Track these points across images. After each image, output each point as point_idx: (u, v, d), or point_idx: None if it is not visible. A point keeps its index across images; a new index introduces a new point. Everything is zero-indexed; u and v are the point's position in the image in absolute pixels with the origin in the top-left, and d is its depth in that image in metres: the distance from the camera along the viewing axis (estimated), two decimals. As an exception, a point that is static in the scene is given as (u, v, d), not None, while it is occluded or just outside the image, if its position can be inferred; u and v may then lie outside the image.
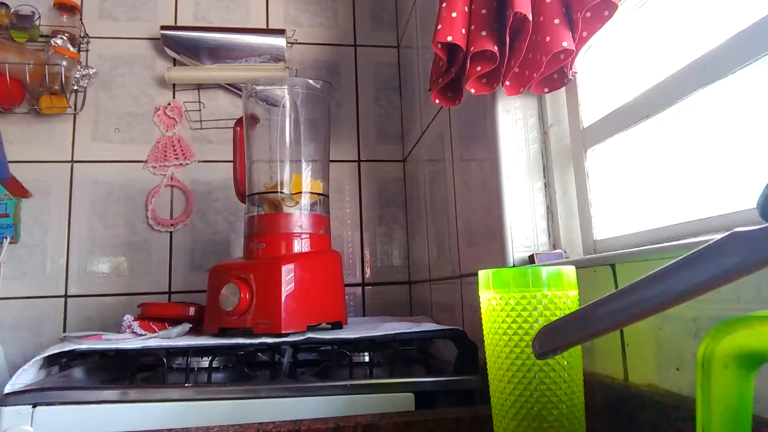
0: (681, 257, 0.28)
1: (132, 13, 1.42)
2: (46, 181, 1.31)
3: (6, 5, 1.27)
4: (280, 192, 0.99)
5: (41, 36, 1.31)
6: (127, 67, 1.39)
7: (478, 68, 0.68)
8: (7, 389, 0.71)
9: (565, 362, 0.46)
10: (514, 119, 0.80)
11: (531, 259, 0.75)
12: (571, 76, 0.69)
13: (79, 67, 1.31)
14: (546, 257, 0.73)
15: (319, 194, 1.04)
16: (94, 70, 1.34)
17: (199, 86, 1.40)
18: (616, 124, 0.65)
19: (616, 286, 0.56)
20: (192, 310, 1.01)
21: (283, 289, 0.87)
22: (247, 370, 0.84)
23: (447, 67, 0.76)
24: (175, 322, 0.96)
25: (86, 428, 0.70)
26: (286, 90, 1.05)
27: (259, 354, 0.93)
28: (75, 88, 1.32)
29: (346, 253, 1.41)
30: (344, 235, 1.42)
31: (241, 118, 1.11)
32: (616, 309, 0.31)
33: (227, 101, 1.41)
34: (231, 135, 1.12)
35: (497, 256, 0.79)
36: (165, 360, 0.81)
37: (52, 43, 1.26)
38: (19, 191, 1.27)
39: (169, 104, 1.38)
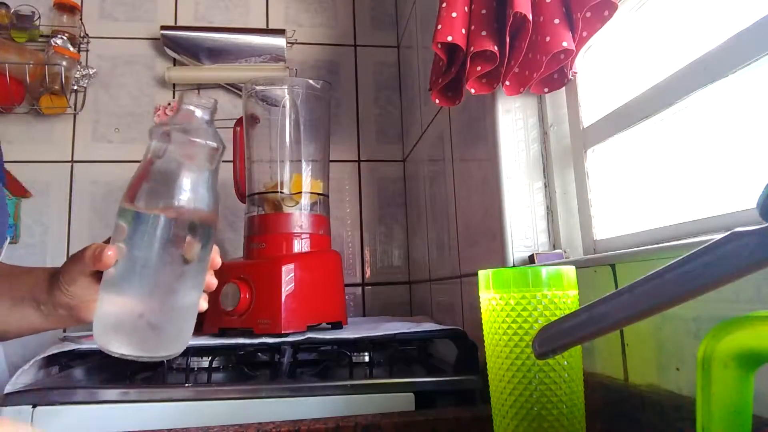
0: (681, 257, 0.28)
1: (132, 13, 1.42)
2: (46, 181, 1.31)
3: (6, 5, 1.27)
4: (280, 192, 1.00)
5: (41, 36, 1.31)
6: (127, 67, 1.39)
7: (478, 68, 0.68)
8: (7, 389, 0.71)
9: (565, 362, 0.46)
10: (514, 119, 0.80)
11: (531, 259, 0.75)
12: (571, 76, 0.69)
13: (79, 67, 1.31)
14: (546, 257, 0.73)
15: (319, 194, 1.04)
16: (94, 70, 1.34)
17: (199, 86, 1.40)
18: (616, 124, 0.65)
19: (616, 286, 0.56)
20: (192, 310, 1.01)
21: (283, 289, 0.87)
22: (247, 370, 0.84)
23: (447, 67, 0.76)
24: (175, 322, 0.96)
25: (86, 428, 0.70)
26: (286, 90, 1.05)
27: (259, 354, 0.93)
28: (75, 88, 1.32)
29: (346, 253, 1.41)
30: (344, 235, 1.42)
31: (241, 118, 1.11)
32: (615, 309, 0.31)
33: (227, 101, 1.41)
34: (231, 135, 1.12)
35: (497, 256, 0.79)
36: (165, 360, 0.81)
37: (52, 43, 1.26)
38: (19, 191, 1.27)
39: (169, 104, 1.38)
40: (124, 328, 0.45)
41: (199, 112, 0.47)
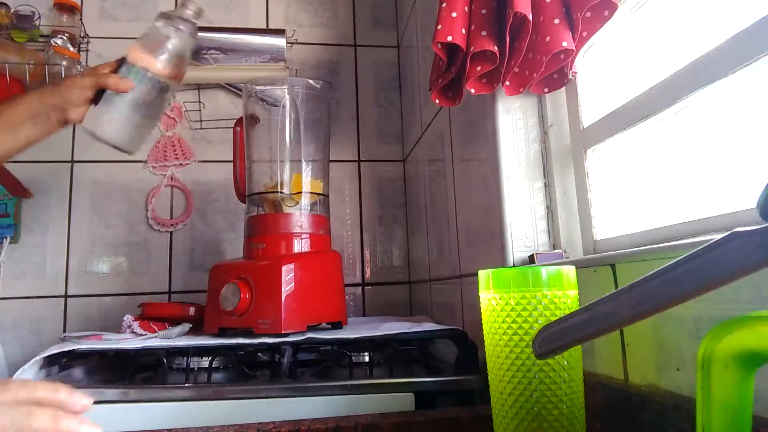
0: (681, 257, 0.28)
1: (132, 13, 1.42)
2: (46, 181, 1.31)
3: (6, 5, 1.27)
4: (280, 192, 0.99)
5: (41, 36, 1.30)
6: (127, 67, 1.39)
7: (478, 68, 0.68)
8: (7, 389, 0.71)
9: (565, 362, 0.46)
10: (514, 119, 0.80)
11: (531, 259, 0.75)
12: (571, 76, 0.69)
13: (79, 67, 1.31)
14: (546, 257, 0.73)
15: (319, 194, 1.04)
16: (94, 70, 1.34)
17: (199, 86, 1.40)
18: (616, 124, 0.65)
19: (616, 286, 0.56)
20: (192, 310, 1.01)
21: (283, 289, 0.87)
22: (247, 370, 0.84)
23: (447, 66, 0.76)
24: (175, 322, 0.96)
25: (86, 428, 0.70)
26: (286, 90, 1.05)
27: (259, 354, 0.93)
28: (75, 88, 1.32)
29: (346, 253, 1.41)
30: (344, 235, 1.42)
31: (241, 118, 1.11)
32: (616, 309, 0.31)
33: (227, 101, 1.41)
34: (231, 135, 1.12)
35: (497, 256, 0.79)
36: (165, 360, 0.81)
37: (52, 43, 1.25)
38: (19, 191, 1.27)
39: (169, 104, 1.38)
40: (117, 124, 0.78)
41: (183, 11, 0.80)
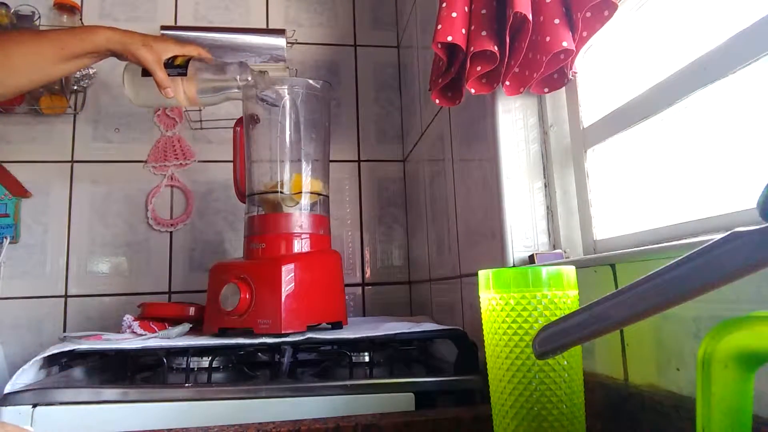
0: (681, 257, 0.28)
1: (132, 13, 1.42)
2: (46, 181, 1.31)
3: (6, 5, 1.27)
4: (280, 192, 0.99)
5: (41, 36, 1.30)
6: (127, 67, 1.39)
7: (478, 68, 0.68)
8: (7, 389, 0.71)
9: (565, 362, 0.46)
10: (514, 119, 0.80)
11: (531, 259, 0.75)
12: (571, 76, 0.69)
13: (79, 67, 1.31)
14: (546, 257, 0.73)
15: (319, 194, 1.04)
16: (94, 70, 1.34)
17: (199, 86, 1.40)
18: (616, 124, 0.65)
19: (616, 286, 0.56)
20: (192, 310, 1.01)
21: (283, 289, 0.87)
22: (247, 370, 0.84)
23: (447, 67, 0.76)
24: (175, 322, 0.96)
25: (86, 428, 0.70)
26: (286, 90, 1.05)
27: (259, 354, 0.93)
28: (75, 88, 1.32)
29: (346, 253, 1.41)
30: (344, 235, 1.42)
31: (241, 118, 1.11)
32: (615, 309, 0.31)
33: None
34: (231, 135, 1.12)
35: (497, 256, 0.79)
36: (165, 360, 0.81)
37: (52, 43, 1.25)
38: (19, 191, 1.27)
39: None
40: (143, 96, 0.95)
41: (262, 78, 0.94)
